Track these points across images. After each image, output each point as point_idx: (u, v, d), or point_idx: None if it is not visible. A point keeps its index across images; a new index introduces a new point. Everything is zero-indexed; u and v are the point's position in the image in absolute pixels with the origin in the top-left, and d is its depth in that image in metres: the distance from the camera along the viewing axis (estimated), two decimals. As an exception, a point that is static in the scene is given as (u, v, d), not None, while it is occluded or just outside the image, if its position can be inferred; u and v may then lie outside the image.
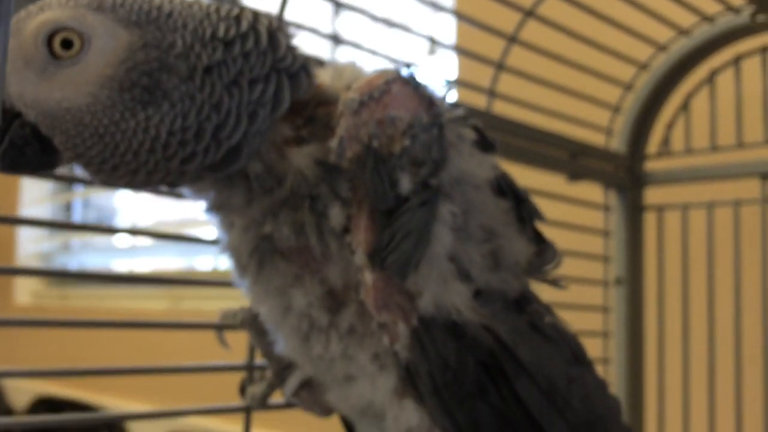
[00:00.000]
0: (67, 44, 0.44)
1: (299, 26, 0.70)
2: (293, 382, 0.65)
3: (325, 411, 0.66)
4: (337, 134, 0.48)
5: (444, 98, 0.51)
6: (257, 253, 0.52)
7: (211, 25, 0.46)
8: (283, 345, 0.56)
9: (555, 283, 0.57)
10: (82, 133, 0.45)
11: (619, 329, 1.05)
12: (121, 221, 2.78)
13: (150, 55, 0.44)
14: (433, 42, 0.94)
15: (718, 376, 1.00)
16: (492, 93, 0.92)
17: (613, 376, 1.05)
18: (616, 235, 1.07)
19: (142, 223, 2.63)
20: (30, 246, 2.90)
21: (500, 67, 0.92)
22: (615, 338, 1.05)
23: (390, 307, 0.49)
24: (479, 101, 0.92)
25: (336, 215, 0.49)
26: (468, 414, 0.49)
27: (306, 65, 0.50)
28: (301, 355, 0.56)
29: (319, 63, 0.56)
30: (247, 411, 0.68)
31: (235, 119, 0.46)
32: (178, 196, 0.59)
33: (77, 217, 2.92)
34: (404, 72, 0.50)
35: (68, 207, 2.94)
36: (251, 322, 0.66)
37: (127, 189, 0.52)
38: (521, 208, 0.53)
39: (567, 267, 1.00)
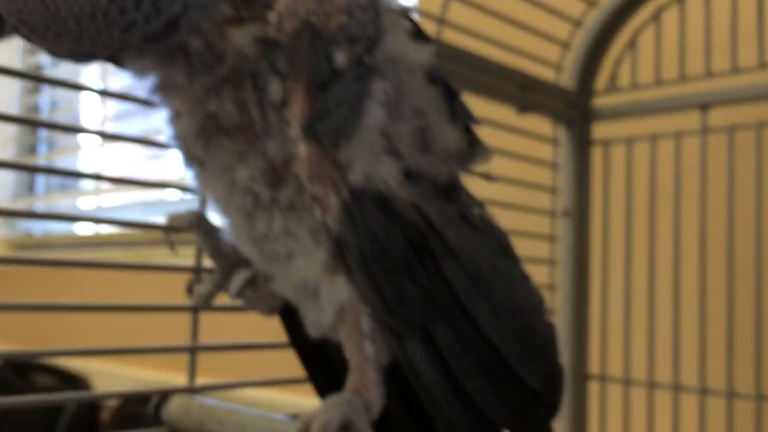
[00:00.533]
0: None
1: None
2: (238, 279, 0.67)
3: (270, 309, 0.68)
4: (276, 10, 0.49)
5: None
6: (203, 134, 0.53)
7: None
8: (230, 229, 0.58)
9: (487, 176, 0.59)
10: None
11: (566, 258, 1.09)
12: (85, 184, 2.76)
13: None
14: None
15: (658, 301, 1.04)
16: (442, 21, 0.94)
17: (558, 302, 1.09)
18: (564, 169, 1.10)
19: (107, 187, 2.62)
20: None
21: (450, -6, 0.94)
22: (561, 266, 1.09)
23: (322, 179, 0.50)
24: (429, 29, 0.94)
25: (275, 90, 0.50)
26: (394, 290, 0.50)
27: None
28: (247, 237, 0.57)
29: None
30: (194, 311, 0.70)
31: None
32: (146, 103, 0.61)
33: (40, 181, 2.89)
34: None
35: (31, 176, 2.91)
36: (198, 223, 0.68)
37: (74, 60, 0.52)
38: (453, 102, 0.54)
39: (516, 196, 1.04)
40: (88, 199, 2.69)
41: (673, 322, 1.02)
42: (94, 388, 2.35)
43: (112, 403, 2.16)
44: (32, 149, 2.88)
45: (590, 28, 1.09)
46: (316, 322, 0.59)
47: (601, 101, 1.12)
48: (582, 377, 1.10)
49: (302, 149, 0.50)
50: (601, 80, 1.12)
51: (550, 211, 1.09)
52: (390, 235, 0.50)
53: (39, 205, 2.83)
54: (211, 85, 0.52)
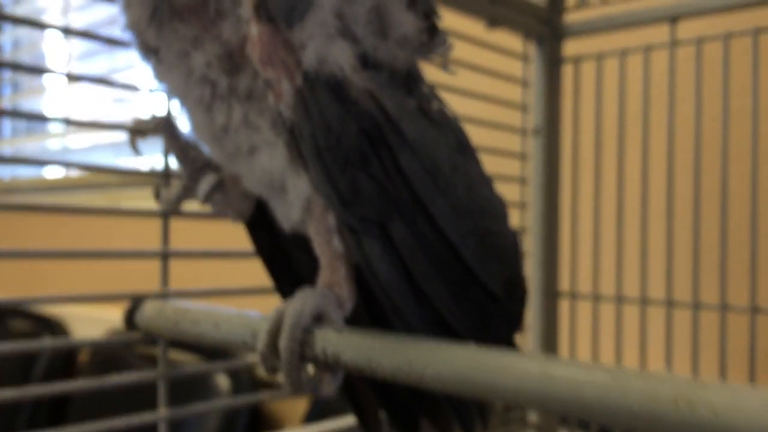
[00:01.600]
0: None
1: None
2: (207, 182, 0.66)
3: (239, 214, 0.68)
4: None
5: None
6: (155, 18, 0.52)
7: None
8: (191, 124, 0.58)
9: (444, 66, 0.57)
10: None
11: (536, 176, 1.09)
12: (51, 126, 2.71)
13: None
14: None
15: (627, 218, 1.06)
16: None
17: (529, 219, 1.10)
18: (534, 86, 1.10)
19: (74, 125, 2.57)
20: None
21: None
22: (532, 184, 1.10)
23: (274, 62, 0.48)
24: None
25: None
26: (349, 182, 0.49)
27: None
28: (208, 132, 0.57)
29: None
30: (164, 216, 0.70)
31: None
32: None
33: (6, 124, 2.83)
34: None
35: (-4, 114, 2.85)
36: (164, 126, 0.67)
37: None
38: None
39: (486, 113, 1.04)
40: (55, 141, 2.64)
41: (641, 238, 1.04)
42: (70, 330, 2.35)
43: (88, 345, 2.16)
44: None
45: (560, -58, 1.08)
46: (286, 216, 0.58)
47: (571, 17, 1.12)
48: (552, 294, 1.12)
49: (253, 29, 0.48)
50: (571, -4, 1.11)
51: (521, 129, 1.10)
52: (344, 124, 0.48)
53: (6, 149, 2.77)
54: None
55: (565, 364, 0.42)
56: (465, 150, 0.55)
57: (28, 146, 2.72)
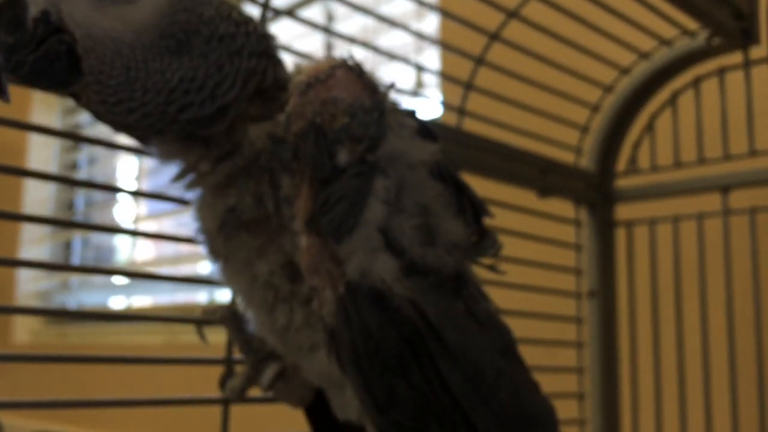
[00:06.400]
0: None
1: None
2: (270, 372, 0.69)
3: (300, 400, 0.70)
4: (286, 111, 0.53)
5: (388, 88, 0.55)
6: (224, 229, 0.56)
7: (228, 8, 0.55)
8: (254, 322, 0.60)
9: (492, 267, 0.58)
10: (115, 61, 0.51)
11: (593, 340, 1.08)
12: (119, 259, 2.82)
13: (187, 17, 0.52)
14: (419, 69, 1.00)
15: (688, 383, 1.03)
16: (462, 111, 0.97)
17: (587, 386, 1.08)
18: (587, 250, 1.11)
19: (140, 259, 2.67)
20: (29, 285, 2.94)
21: (469, 86, 0.98)
22: (589, 348, 1.09)
23: (320, 272, 0.51)
24: (450, 120, 0.98)
25: (287, 185, 0.53)
26: (386, 389, 0.49)
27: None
28: (270, 330, 0.59)
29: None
30: (225, 403, 0.72)
31: (231, 81, 0.53)
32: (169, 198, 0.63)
33: (76, 256, 2.97)
34: (350, 60, 0.54)
35: (67, 246, 2.99)
36: (230, 318, 0.70)
37: (112, 127, 0.56)
38: (460, 195, 0.55)
39: (541, 279, 1.05)
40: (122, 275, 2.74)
41: (704, 404, 1.01)
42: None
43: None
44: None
45: (608, 112, 1.12)
46: (343, 408, 0.59)
47: (621, 182, 1.14)
48: (614, 461, 1.09)
49: (303, 241, 0.51)
50: (621, 162, 1.14)
51: (575, 292, 1.10)
52: (384, 332, 0.49)
53: (74, 280, 2.89)
54: (231, 174, 0.55)
55: None
56: (512, 354, 0.55)
57: (96, 278, 2.83)
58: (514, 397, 0.52)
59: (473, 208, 0.56)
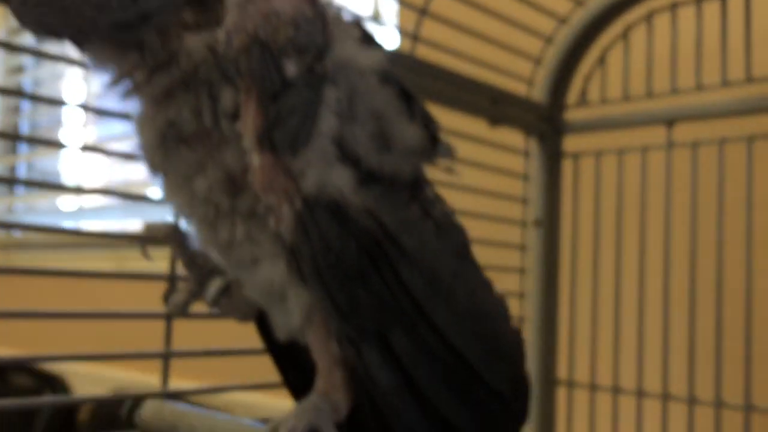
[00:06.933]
0: None
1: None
2: (214, 287, 0.69)
3: (244, 315, 0.70)
4: (225, 26, 0.51)
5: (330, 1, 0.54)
6: (163, 144, 0.55)
7: None
8: (198, 237, 0.60)
9: (449, 169, 0.59)
10: None
11: (536, 267, 1.12)
12: (66, 181, 2.76)
13: None
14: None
15: (623, 309, 1.08)
16: (415, 37, 0.97)
17: (528, 309, 1.12)
18: (535, 180, 1.14)
19: (88, 185, 2.62)
20: (-28, 209, 2.86)
21: (424, 12, 0.97)
22: (531, 275, 1.12)
23: (275, 189, 0.50)
24: (405, 46, 0.97)
25: (227, 99, 0.52)
26: (348, 297, 0.50)
27: None
28: (213, 245, 0.59)
29: None
30: (167, 318, 0.72)
31: None
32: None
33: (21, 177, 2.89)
34: None
35: (12, 170, 2.91)
36: (172, 235, 0.70)
37: (33, 32, 0.54)
38: (410, 103, 0.54)
39: (488, 207, 1.07)
40: (69, 198, 2.69)
41: (638, 329, 1.05)
42: (71, 388, 2.35)
43: (89, 404, 2.16)
44: (13, 149, 2.87)
45: (561, 45, 1.12)
46: (285, 325, 0.59)
47: (571, 115, 1.16)
48: (550, 383, 1.14)
49: (255, 159, 0.50)
50: (572, 95, 1.16)
51: (521, 221, 1.13)
52: (344, 244, 0.50)
53: (19, 206, 2.82)
54: (169, 86, 0.53)
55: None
56: (466, 255, 0.56)
57: (42, 203, 2.77)
58: (471, 296, 0.53)
59: (423, 117, 0.56)
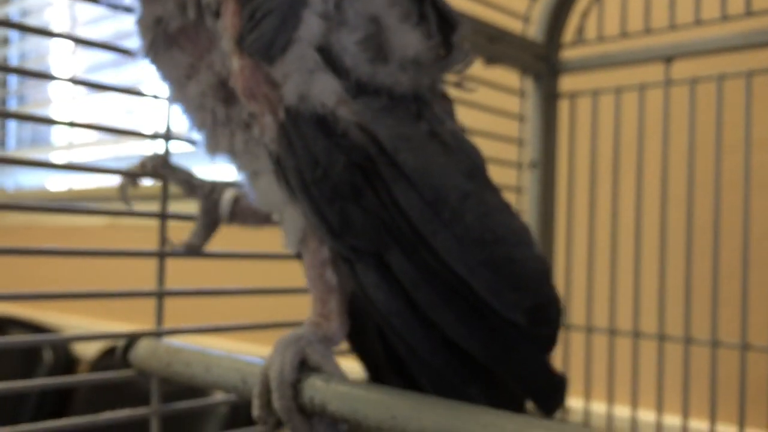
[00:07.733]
0: None
1: None
2: (226, 203, 0.67)
3: (260, 220, 0.67)
4: None
5: None
6: (154, 45, 0.53)
7: None
8: (204, 144, 0.57)
9: (458, 84, 0.56)
10: None
11: (532, 209, 1.11)
12: (56, 138, 2.73)
13: None
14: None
15: (620, 251, 1.07)
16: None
17: (524, 252, 1.11)
18: (531, 121, 1.12)
19: (78, 139, 2.59)
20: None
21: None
22: (528, 217, 1.11)
23: (258, 97, 0.47)
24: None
25: None
26: (338, 215, 0.47)
27: None
28: (221, 153, 0.56)
29: None
30: (160, 256, 0.71)
31: None
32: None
33: (11, 134, 2.86)
34: None
35: (2, 126, 2.87)
36: (163, 164, 0.68)
37: None
38: (422, 4, 0.49)
39: (482, 148, 1.05)
40: (60, 153, 2.66)
41: (634, 270, 1.05)
42: (68, 345, 2.36)
43: (88, 357, 2.18)
44: (2, 102, 2.83)
45: (558, -20, 1.09)
46: (285, 235, 0.56)
47: (568, 54, 1.13)
48: (546, 325, 1.13)
49: (235, 63, 0.47)
50: (569, 33, 1.13)
51: (516, 162, 1.11)
52: (331, 158, 0.46)
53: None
54: None
55: (545, 426, 0.43)
56: (480, 175, 0.51)
57: (33, 157, 2.74)
58: (483, 219, 0.49)
59: (440, 18, 0.51)
